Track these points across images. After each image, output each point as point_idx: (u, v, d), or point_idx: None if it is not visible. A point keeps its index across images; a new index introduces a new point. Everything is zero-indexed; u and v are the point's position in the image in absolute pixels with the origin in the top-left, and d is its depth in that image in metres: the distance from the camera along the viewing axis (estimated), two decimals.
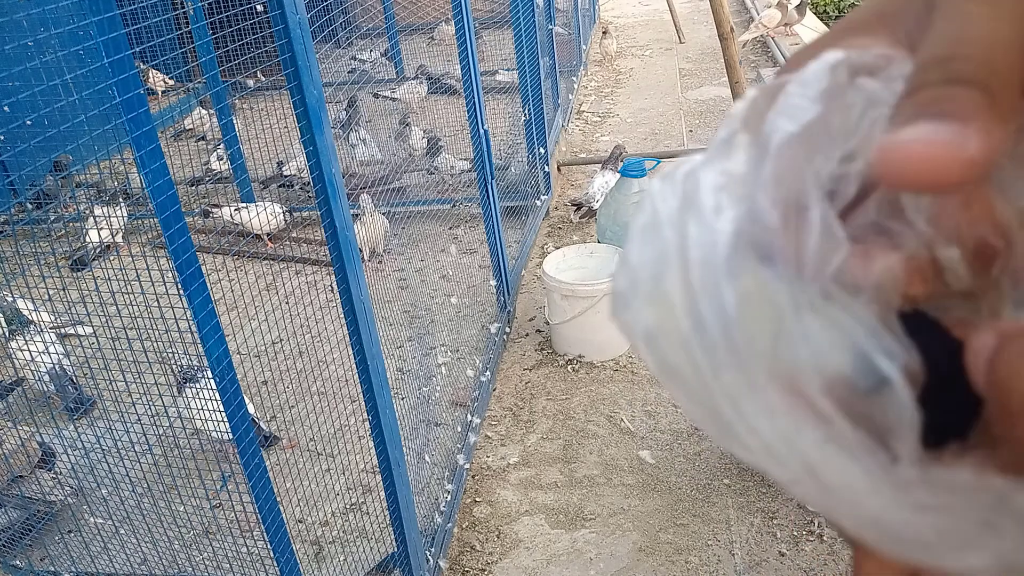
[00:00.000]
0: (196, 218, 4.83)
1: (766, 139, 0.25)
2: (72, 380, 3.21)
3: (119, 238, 4.60)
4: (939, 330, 0.25)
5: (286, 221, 4.84)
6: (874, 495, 0.23)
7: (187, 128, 6.36)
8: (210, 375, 3.06)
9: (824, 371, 0.23)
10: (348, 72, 6.40)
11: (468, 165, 4.94)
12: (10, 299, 3.55)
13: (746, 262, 0.24)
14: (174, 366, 2.94)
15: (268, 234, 4.87)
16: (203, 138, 6.12)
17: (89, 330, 2.97)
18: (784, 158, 0.24)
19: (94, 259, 4.45)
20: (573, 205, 5.08)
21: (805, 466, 0.24)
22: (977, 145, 0.20)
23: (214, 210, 4.78)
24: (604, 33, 8.88)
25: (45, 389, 3.12)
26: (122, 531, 2.65)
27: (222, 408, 1.61)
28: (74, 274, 4.27)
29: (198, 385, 2.86)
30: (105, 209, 4.57)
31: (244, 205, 4.79)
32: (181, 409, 2.89)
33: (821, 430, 0.23)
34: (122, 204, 4.74)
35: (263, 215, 4.70)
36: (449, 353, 3.72)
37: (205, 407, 2.61)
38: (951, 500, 0.23)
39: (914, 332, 0.24)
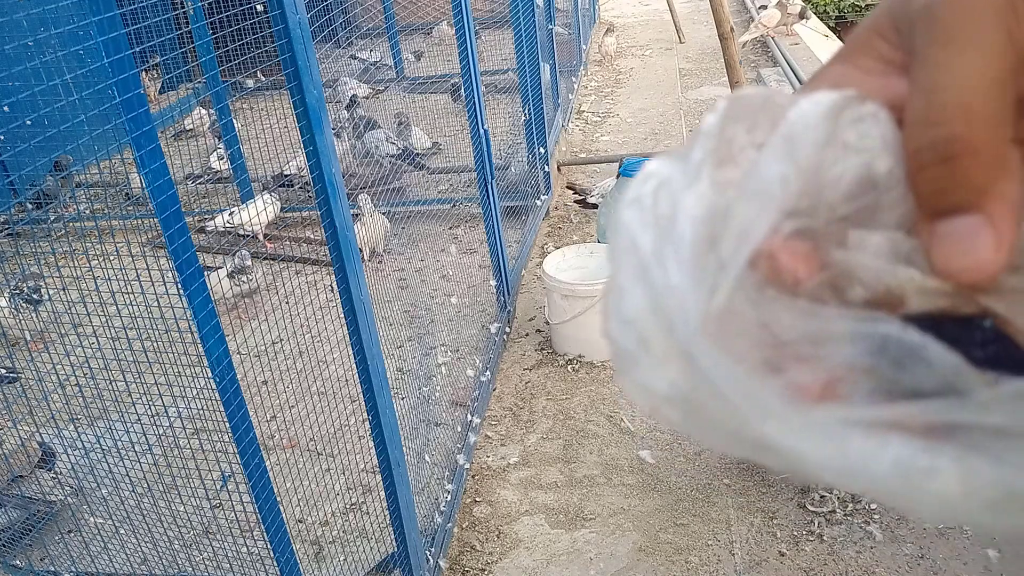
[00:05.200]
0: (194, 222, 4.83)
1: (752, 178, 0.26)
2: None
3: None
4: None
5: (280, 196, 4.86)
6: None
7: (187, 128, 6.36)
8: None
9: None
10: (360, 69, 6.44)
11: (395, 150, 4.98)
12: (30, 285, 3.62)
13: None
14: None
15: (265, 234, 4.87)
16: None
17: None
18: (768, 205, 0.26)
19: None
20: (570, 188, 5.14)
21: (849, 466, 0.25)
22: (993, 243, 0.24)
23: (208, 224, 4.78)
24: (609, 31, 8.87)
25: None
26: (122, 531, 2.65)
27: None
28: None
29: None
30: None
31: (237, 209, 4.76)
32: None
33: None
34: None
35: (261, 214, 4.69)
36: (449, 353, 3.72)
37: None
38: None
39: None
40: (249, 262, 3.99)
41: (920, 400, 0.25)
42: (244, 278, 3.92)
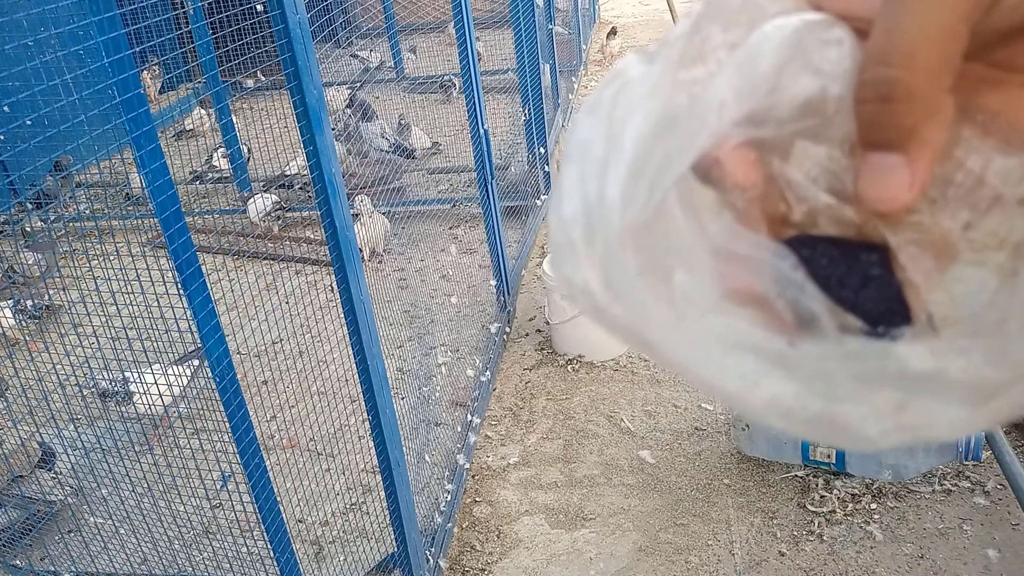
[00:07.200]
0: (193, 222, 4.83)
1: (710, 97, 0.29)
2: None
3: None
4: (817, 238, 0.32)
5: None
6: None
7: (187, 128, 6.36)
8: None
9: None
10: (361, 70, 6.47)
11: (387, 145, 5.03)
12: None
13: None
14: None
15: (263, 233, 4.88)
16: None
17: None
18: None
19: None
20: None
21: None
22: (907, 181, 0.27)
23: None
24: (613, 33, 8.78)
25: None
26: (122, 531, 2.65)
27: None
28: None
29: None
30: None
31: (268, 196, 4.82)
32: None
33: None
34: None
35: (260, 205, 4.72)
36: (449, 353, 3.72)
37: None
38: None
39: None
40: None
41: (773, 334, 0.30)
42: None
